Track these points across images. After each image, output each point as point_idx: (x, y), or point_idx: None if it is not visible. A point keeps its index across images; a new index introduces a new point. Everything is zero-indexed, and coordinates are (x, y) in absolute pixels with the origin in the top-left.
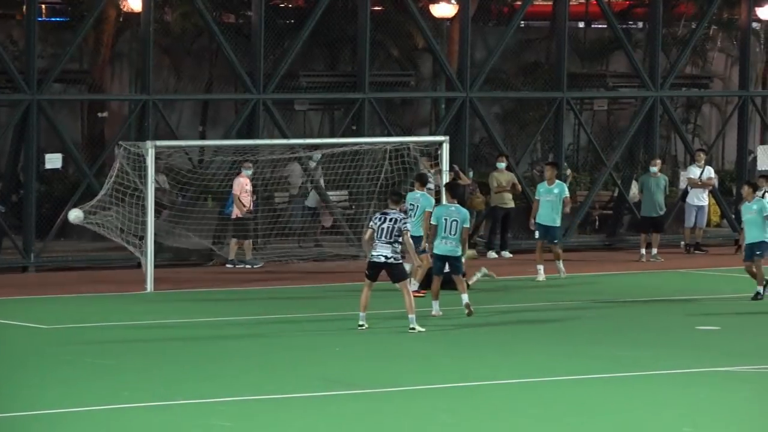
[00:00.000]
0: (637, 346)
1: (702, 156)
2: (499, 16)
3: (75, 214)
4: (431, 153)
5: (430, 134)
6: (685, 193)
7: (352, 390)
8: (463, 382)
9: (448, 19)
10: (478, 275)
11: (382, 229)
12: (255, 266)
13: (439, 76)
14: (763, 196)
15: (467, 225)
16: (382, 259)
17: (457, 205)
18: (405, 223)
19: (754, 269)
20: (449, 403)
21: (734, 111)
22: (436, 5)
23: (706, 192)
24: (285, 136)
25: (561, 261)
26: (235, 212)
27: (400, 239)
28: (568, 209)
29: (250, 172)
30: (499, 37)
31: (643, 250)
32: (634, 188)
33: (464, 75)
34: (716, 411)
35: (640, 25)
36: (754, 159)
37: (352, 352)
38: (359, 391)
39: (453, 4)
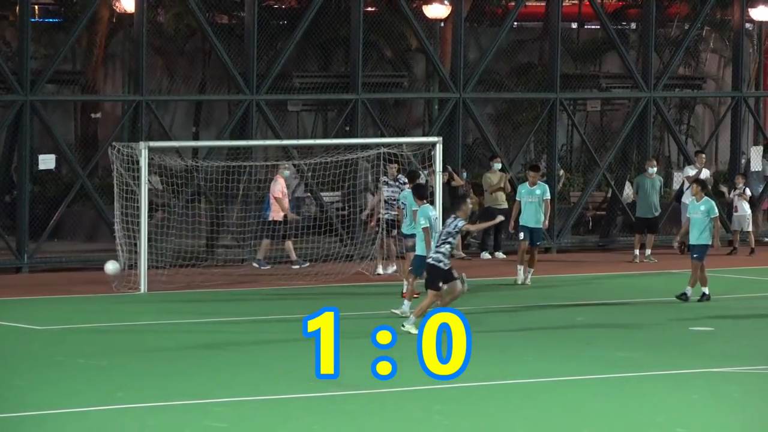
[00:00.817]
0: (631, 347)
1: (702, 157)
2: (492, 17)
3: (113, 268)
4: (398, 158)
5: (424, 135)
6: (680, 193)
7: (347, 391)
8: (457, 383)
9: (441, 20)
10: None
11: None
12: (262, 267)
13: (433, 77)
14: (744, 192)
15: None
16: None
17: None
18: (454, 225)
19: (698, 270)
20: (443, 405)
21: (727, 112)
22: (429, 6)
23: None
24: (278, 137)
25: (532, 269)
26: (273, 215)
27: (449, 240)
28: (546, 218)
29: (288, 173)
30: (492, 37)
31: (637, 251)
32: (628, 189)
33: (457, 76)
34: (709, 412)
35: (633, 25)
36: (748, 162)
37: (347, 353)
38: (354, 392)
39: (446, 4)
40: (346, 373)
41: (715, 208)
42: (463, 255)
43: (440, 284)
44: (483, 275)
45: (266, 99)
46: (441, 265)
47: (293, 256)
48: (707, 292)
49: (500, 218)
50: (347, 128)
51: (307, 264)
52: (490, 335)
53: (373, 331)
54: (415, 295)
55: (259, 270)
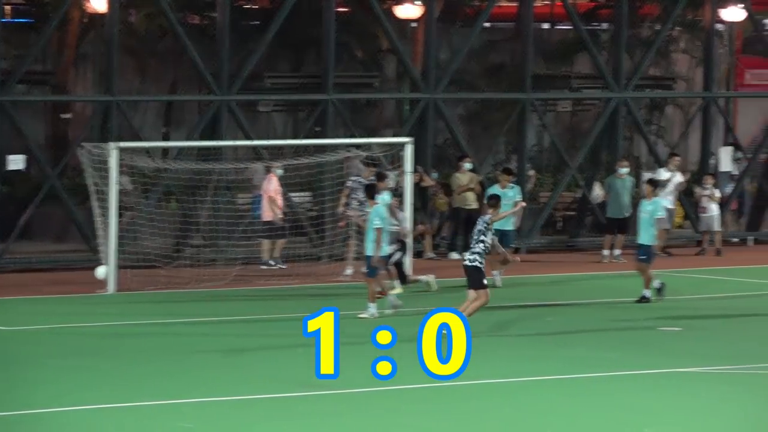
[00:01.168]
0: (600, 347)
1: (676, 160)
2: (464, 18)
3: (104, 271)
4: (373, 160)
5: (394, 136)
6: None
7: (317, 391)
8: (429, 383)
9: (413, 21)
10: (423, 279)
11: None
12: (277, 266)
13: (404, 78)
14: (713, 193)
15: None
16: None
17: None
18: (482, 221)
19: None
20: (415, 405)
21: (697, 112)
22: (400, 6)
23: (673, 194)
24: (248, 138)
25: (503, 270)
26: (267, 214)
27: (483, 238)
28: (518, 216)
29: (281, 172)
30: (463, 38)
31: (607, 251)
32: (597, 189)
33: (429, 76)
34: (677, 411)
35: (605, 26)
36: (717, 162)
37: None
38: (324, 392)
39: (418, 5)
40: (346, 373)
41: (661, 209)
42: (432, 255)
43: (485, 281)
44: (452, 276)
45: (237, 99)
46: (477, 264)
47: (266, 256)
48: (648, 295)
49: (522, 204)
50: (318, 129)
51: (285, 266)
52: None
53: (373, 331)
54: (377, 296)
55: (256, 270)
